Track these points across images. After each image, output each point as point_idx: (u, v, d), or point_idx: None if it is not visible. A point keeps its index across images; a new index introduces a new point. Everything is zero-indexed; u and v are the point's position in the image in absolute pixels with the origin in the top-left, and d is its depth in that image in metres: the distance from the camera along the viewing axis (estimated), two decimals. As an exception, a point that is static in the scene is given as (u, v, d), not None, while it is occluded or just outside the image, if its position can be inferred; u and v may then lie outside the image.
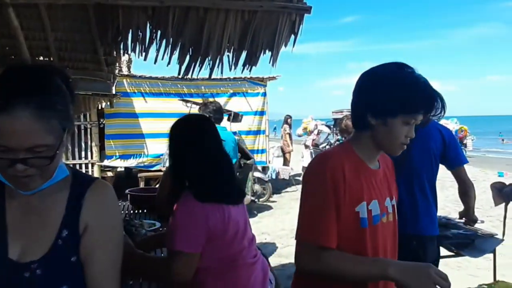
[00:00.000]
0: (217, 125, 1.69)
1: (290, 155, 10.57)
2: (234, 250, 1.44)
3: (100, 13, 2.44)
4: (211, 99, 6.64)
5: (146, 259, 1.48)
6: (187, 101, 6.90)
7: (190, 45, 2.41)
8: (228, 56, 2.45)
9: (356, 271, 1.12)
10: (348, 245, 1.17)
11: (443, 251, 2.48)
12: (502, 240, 2.59)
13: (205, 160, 1.44)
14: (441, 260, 2.39)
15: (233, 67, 2.54)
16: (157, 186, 4.38)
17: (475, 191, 2.44)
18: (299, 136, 12.22)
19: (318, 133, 10.18)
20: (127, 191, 2.95)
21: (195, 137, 1.48)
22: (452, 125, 13.30)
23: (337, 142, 3.78)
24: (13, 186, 0.87)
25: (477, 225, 2.64)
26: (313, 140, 10.04)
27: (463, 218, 2.62)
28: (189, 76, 2.66)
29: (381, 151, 1.26)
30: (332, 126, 11.60)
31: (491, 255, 2.65)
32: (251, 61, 2.49)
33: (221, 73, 2.53)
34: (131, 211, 2.83)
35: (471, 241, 2.48)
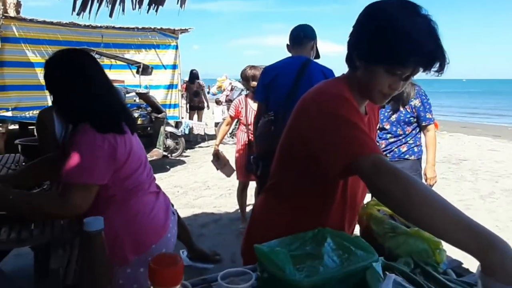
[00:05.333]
0: None
1: (202, 112, 10.51)
2: (137, 179, 1.44)
3: None
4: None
5: (27, 196, 1.38)
6: (91, 50, 6.33)
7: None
8: (130, -8, 2.30)
9: (447, 220, 0.78)
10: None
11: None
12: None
13: (96, 91, 1.39)
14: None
15: (137, 5, 2.39)
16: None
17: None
18: (214, 95, 12.14)
19: (232, 89, 10.23)
20: (17, 141, 2.69)
21: (78, 70, 1.39)
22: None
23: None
24: None
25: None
26: (227, 95, 10.07)
27: None
28: (88, 16, 2.44)
29: (365, 98, 1.15)
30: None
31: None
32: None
33: (123, 11, 2.36)
34: (23, 161, 2.61)
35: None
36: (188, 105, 10.28)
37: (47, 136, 2.21)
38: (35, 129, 2.31)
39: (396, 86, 1.04)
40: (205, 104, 10.42)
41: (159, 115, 6.58)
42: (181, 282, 0.47)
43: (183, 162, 7.38)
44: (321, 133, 1.05)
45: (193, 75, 10.25)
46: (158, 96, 7.92)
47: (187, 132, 9.04)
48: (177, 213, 1.73)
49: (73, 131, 1.38)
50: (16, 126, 7.12)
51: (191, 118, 10.14)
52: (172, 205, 1.67)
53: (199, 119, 10.22)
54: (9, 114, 6.76)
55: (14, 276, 2.57)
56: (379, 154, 0.94)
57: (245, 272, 0.87)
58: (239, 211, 4.12)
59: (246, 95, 3.90)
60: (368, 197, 1.30)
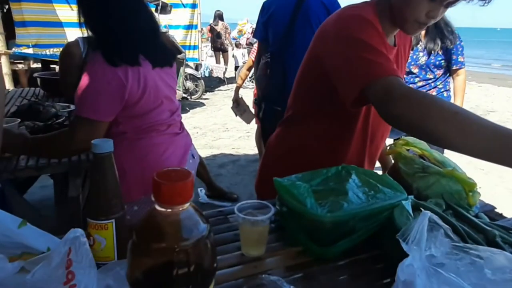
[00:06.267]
0: None
1: (228, 55, 10.21)
2: (153, 119, 1.35)
3: None
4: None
5: (42, 138, 1.32)
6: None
7: None
8: None
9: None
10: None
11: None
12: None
13: (119, 12, 1.25)
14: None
15: None
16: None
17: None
18: (234, 39, 11.77)
19: (253, 31, 9.85)
20: (35, 74, 2.66)
21: None
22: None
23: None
24: None
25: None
26: (247, 39, 9.73)
27: None
28: None
29: (396, 26, 1.04)
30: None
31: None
32: None
33: None
34: (43, 95, 2.60)
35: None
36: (212, 46, 10.01)
37: (73, 67, 2.10)
38: (59, 60, 2.22)
39: (435, 13, 0.92)
40: (229, 47, 10.13)
41: (179, 56, 6.44)
42: (190, 201, 0.41)
43: (203, 104, 7.34)
44: (336, 57, 0.97)
45: (218, 16, 9.88)
46: (178, 36, 7.70)
47: (206, 74, 8.91)
48: (199, 156, 1.67)
49: (85, 59, 1.29)
50: (39, 65, 7.14)
51: (216, 60, 9.92)
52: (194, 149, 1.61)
53: (225, 61, 9.98)
54: (30, 51, 6.73)
55: (39, 206, 2.67)
56: (396, 76, 0.85)
57: (263, 205, 0.83)
58: (257, 153, 4.12)
59: None
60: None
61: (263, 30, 2.35)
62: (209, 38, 10.00)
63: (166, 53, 1.40)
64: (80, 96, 1.22)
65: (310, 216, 0.77)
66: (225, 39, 9.93)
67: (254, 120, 3.96)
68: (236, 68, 9.14)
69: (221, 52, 10.05)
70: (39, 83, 2.66)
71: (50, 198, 2.58)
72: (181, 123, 1.52)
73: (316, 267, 0.77)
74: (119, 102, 1.23)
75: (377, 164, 1.35)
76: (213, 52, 10.10)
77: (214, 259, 0.44)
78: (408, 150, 1.08)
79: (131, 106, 1.27)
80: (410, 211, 0.75)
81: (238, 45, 9.87)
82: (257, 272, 0.77)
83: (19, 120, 1.51)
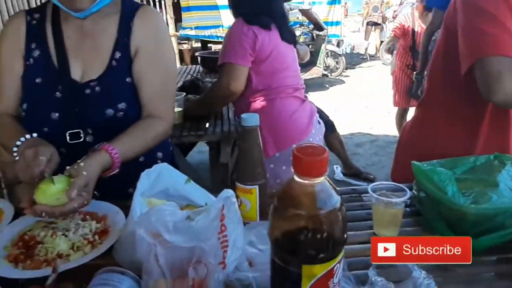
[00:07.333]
0: None
1: (380, 28, 9.53)
2: (280, 80, 1.55)
3: None
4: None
5: (202, 96, 1.77)
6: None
7: None
8: None
9: None
10: None
11: None
12: None
13: None
14: None
15: None
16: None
17: None
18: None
19: (401, 3, 9.03)
20: (197, 53, 3.04)
21: None
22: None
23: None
24: (62, 5, 0.93)
25: None
26: (394, 11, 8.98)
27: None
28: None
29: None
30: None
31: None
32: None
33: None
34: (203, 72, 2.97)
35: None
36: (365, 20, 9.56)
37: None
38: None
39: None
40: (385, 20, 9.51)
41: (321, 33, 6.41)
42: (325, 176, 0.46)
43: (342, 82, 7.21)
44: (460, 27, 0.94)
45: None
46: (321, 12, 7.64)
47: (348, 51, 8.65)
48: (334, 128, 1.75)
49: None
50: (199, 44, 8.08)
51: (366, 35, 9.48)
52: (330, 121, 1.70)
53: (379, 36, 9.43)
54: (192, 32, 7.64)
55: (196, 168, 3.12)
56: (505, 56, 0.82)
57: (399, 188, 0.82)
58: (397, 135, 3.88)
59: (415, 7, 3.37)
60: None
61: None
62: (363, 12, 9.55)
63: (292, 34, 1.66)
64: (222, 49, 1.55)
65: (450, 205, 0.73)
66: (380, 13, 9.34)
67: (393, 102, 3.73)
68: (381, 43, 8.61)
69: (373, 27, 9.49)
70: (199, 61, 3.04)
71: (205, 163, 2.98)
72: (304, 93, 1.70)
73: (453, 258, 0.73)
74: (252, 50, 1.49)
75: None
76: (364, 26, 9.62)
77: (345, 231, 0.48)
78: None
79: (261, 61, 1.52)
80: None
81: (383, 19, 9.21)
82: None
83: (185, 93, 1.81)
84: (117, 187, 0.93)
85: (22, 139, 0.86)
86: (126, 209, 0.85)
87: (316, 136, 1.60)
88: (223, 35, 7.41)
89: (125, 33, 1.01)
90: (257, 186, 0.83)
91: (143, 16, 1.03)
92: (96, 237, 0.78)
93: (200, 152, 3.34)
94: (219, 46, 7.31)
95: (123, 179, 0.92)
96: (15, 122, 0.99)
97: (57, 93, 0.98)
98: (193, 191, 0.83)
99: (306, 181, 0.45)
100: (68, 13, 0.96)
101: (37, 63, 0.99)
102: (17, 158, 0.84)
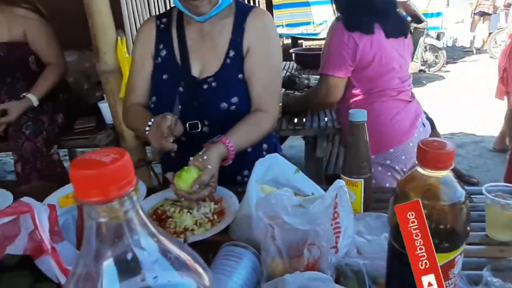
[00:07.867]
0: None
1: (490, 18, 8.58)
2: (383, 84, 1.48)
3: None
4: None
5: (300, 95, 1.83)
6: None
7: None
8: None
9: None
10: None
11: None
12: None
13: None
14: None
15: None
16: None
17: None
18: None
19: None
20: (291, 50, 3.10)
21: None
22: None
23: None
24: (187, 10, 1.06)
25: None
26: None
27: None
28: None
29: None
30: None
31: None
32: None
33: None
34: (299, 68, 3.03)
35: None
36: (474, 9, 8.68)
37: None
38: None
39: None
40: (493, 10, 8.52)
41: (419, 25, 5.99)
42: (450, 169, 0.47)
43: (442, 78, 6.69)
44: None
45: None
46: (420, 3, 7.15)
47: (449, 44, 7.97)
48: (434, 125, 1.66)
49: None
50: (289, 41, 8.17)
51: (472, 27, 8.64)
52: (429, 119, 1.61)
53: (488, 27, 8.51)
54: (284, 30, 7.74)
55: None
56: None
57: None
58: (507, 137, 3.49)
59: None
60: None
61: None
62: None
63: (401, 24, 1.55)
64: (323, 58, 1.52)
65: None
66: (491, 2, 8.40)
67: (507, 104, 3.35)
68: (489, 35, 7.75)
69: (483, 17, 8.56)
70: (293, 58, 3.11)
71: (294, 157, 3.04)
72: (412, 93, 1.60)
73: None
74: (352, 61, 1.45)
75: None
76: (471, 17, 8.72)
77: (468, 225, 0.48)
78: None
79: (363, 68, 1.46)
80: None
81: (495, 8, 8.24)
82: (502, 256, 0.75)
83: (284, 89, 1.90)
84: (227, 175, 1.03)
85: (153, 119, 1.01)
86: (236, 194, 0.94)
87: (418, 139, 1.52)
88: (314, 31, 7.45)
89: (239, 34, 1.10)
90: (362, 179, 0.86)
91: (254, 17, 1.11)
92: (215, 216, 0.88)
93: (291, 146, 3.41)
94: (310, 43, 7.35)
95: (232, 168, 1.02)
96: (146, 110, 1.15)
97: (180, 88, 1.11)
98: (301, 181, 0.89)
99: (431, 173, 0.47)
100: (190, 17, 1.09)
101: (164, 62, 1.14)
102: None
